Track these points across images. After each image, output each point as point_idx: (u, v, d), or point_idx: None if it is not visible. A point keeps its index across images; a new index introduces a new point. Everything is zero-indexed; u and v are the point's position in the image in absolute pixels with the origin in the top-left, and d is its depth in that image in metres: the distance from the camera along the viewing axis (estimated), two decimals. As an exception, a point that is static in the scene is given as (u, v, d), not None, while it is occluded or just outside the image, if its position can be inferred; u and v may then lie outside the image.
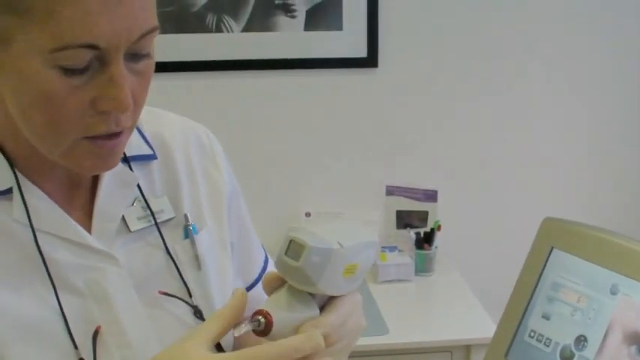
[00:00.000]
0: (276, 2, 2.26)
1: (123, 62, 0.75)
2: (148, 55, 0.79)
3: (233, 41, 2.27)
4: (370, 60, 2.32)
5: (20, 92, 0.76)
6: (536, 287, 0.92)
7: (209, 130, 1.04)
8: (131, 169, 0.92)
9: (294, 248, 0.73)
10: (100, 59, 0.74)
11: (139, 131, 0.96)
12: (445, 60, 2.36)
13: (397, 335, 1.94)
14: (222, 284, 0.96)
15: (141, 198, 0.92)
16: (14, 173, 0.84)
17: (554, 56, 2.39)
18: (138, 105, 0.80)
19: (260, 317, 0.70)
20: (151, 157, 0.95)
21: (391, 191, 2.38)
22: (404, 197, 2.37)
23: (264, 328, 0.71)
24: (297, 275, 0.73)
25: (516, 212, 2.44)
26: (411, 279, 2.23)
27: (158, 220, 0.92)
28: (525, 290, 0.93)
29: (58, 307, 0.82)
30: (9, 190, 0.84)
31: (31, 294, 0.82)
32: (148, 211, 0.92)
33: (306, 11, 2.27)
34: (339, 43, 2.30)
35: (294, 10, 2.26)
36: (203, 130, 1.03)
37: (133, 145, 0.93)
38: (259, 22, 2.27)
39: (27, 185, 0.85)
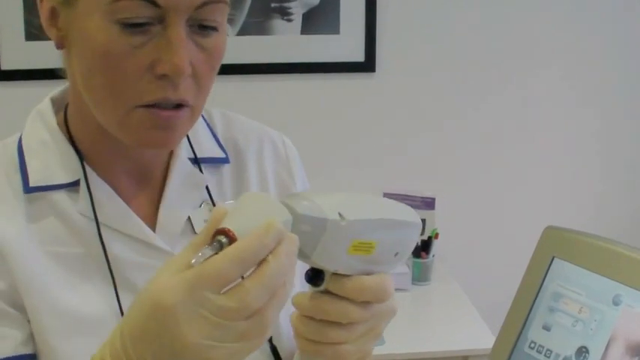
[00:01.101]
0: (273, 5, 2.25)
1: (186, 31, 0.77)
2: (216, 32, 0.80)
3: (228, 45, 2.23)
4: (368, 64, 2.31)
5: (84, 54, 0.78)
6: (536, 297, 0.91)
7: (285, 137, 1.05)
8: (201, 170, 0.92)
9: None
10: (161, 21, 0.75)
11: (213, 134, 0.97)
12: (443, 64, 2.36)
13: (394, 346, 1.88)
14: None
15: (209, 201, 0.92)
16: (82, 166, 0.86)
17: (555, 60, 2.39)
18: (201, 82, 0.80)
19: (221, 237, 0.61)
20: (224, 161, 0.95)
21: (388, 198, 2.35)
22: (401, 204, 2.36)
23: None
24: None
25: (516, 221, 2.43)
26: (408, 288, 2.21)
27: None
28: (526, 300, 0.92)
29: (117, 306, 0.83)
30: (76, 183, 0.86)
31: (92, 290, 0.84)
32: None
33: (303, 14, 2.26)
34: (336, 47, 2.30)
35: (291, 14, 2.25)
36: (279, 137, 1.04)
37: (206, 148, 0.94)
38: (255, 25, 2.26)
39: (94, 179, 0.86)
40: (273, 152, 1.01)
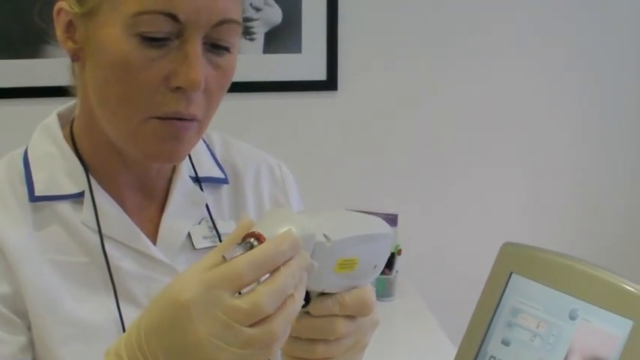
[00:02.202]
0: (235, 25, 2.23)
1: (202, 48, 0.79)
2: (228, 53, 0.83)
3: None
4: (330, 83, 2.30)
5: (101, 65, 0.80)
6: (495, 313, 0.91)
7: (282, 162, 1.08)
8: (202, 189, 0.95)
9: None
10: (179, 36, 0.78)
11: (212, 156, 1.00)
12: (405, 83, 2.35)
13: (357, 361, 1.91)
14: None
15: (208, 218, 0.95)
16: (87, 178, 0.88)
17: (512, 80, 2.39)
18: (211, 99, 0.83)
19: (251, 239, 0.63)
20: (222, 181, 0.98)
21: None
22: (364, 221, 2.35)
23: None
24: None
25: (477, 236, 2.42)
26: (372, 304, 2.21)
27: None
28: (484, 316, 0.92)
29: (118, 317, 0.85)
30: (81, 194, 0.87)
31: (93, 299, 0.85)
32: (214, 232, 0.94)
33: (265, 34, 2.25)
34: (298, 65, 2.28)
35: (253, 33, 2.24)
36: (276, 162, 1.08)
37: (206, 168, 0.97)
38: (218, 44, 2.24)
39: (99, 191, 0.88)
40: (269, 175, 1.04)
